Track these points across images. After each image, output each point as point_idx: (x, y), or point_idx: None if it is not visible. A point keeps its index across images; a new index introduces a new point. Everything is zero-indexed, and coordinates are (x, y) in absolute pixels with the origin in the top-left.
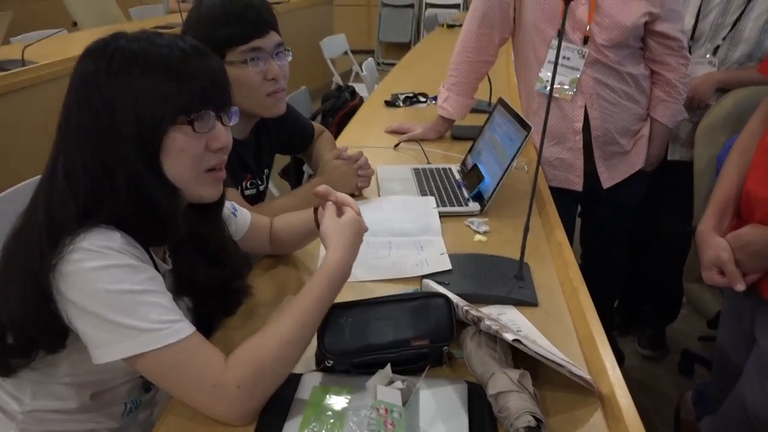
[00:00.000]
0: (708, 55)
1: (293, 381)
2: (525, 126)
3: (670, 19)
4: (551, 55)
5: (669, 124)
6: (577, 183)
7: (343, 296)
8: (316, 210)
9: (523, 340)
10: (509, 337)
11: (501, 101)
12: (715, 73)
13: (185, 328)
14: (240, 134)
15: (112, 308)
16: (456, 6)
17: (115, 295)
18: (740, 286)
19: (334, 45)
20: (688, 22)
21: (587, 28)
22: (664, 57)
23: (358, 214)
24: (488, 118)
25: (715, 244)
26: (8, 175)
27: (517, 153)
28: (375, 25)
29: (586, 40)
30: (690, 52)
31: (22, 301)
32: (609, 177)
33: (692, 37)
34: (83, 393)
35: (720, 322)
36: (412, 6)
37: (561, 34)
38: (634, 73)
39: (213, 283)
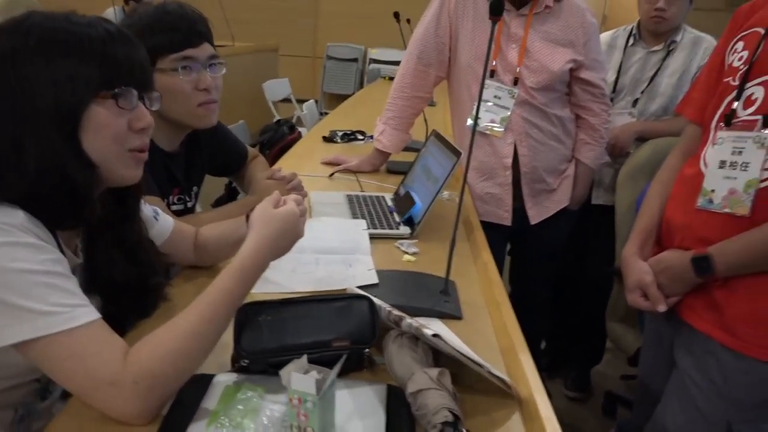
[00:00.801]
0: (628, 107)
1: (203, 381)
2: (456, 152)
3: (593, 68)
4: (484, 94)
5: (592, 165)
6: (506, 218)
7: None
8: (248, 217)
9: (443, 336)
10: (429, 332)
11: (435, 132)
12: (635, 123)
13: (88, 313)
14: (170, 146)
15: (7, 288)
16: (398, 62)
17: (12, 273)
18: (662, 307)
19: (277, 89)
20: (611, 76)
21: (517, 71)
22: (587, 103)
23: (302, 214)
24: (422, 149)
25: (638, 267)
26: None
27: (448, 176)
28: (319, 76)
29: (516, 82)
30: (612, 104)
31: None
32: (536, 213)
33: (614, 90)
34: None
35: (642, 349)
36: (356, 60)
37: (485, 70)
38: (560, 116)
39: (128, 279)
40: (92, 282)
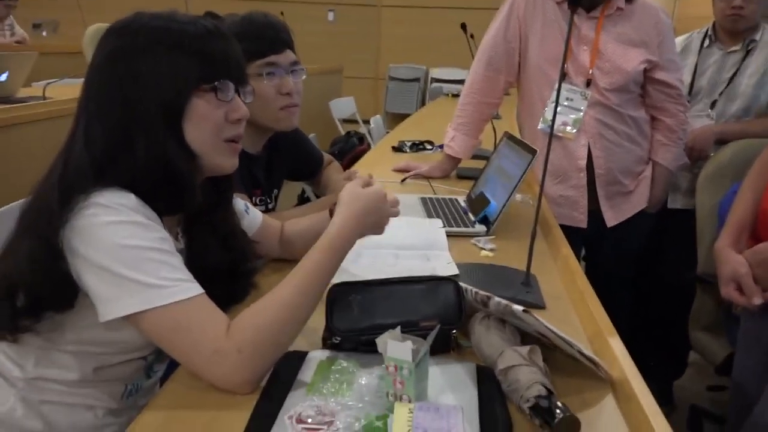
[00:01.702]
0: (706, 110)
1: (298, 356)
2: (530, 150)
3: (668, 68)
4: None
5: (670, 167)
6: (581, 221)
7: None
8: (332, 211)
9: (532, 312)
10: (519, 307)
11: (507, 134)
12: (714, 125)
13: (192, 288)
14: (253, 149)
15: (121, 262)
16: (460, 81)
17: (125, 249)
18: (757, 300)
19: (343, 107)
20: (686, 79)
21: (590, 72)
22: (663, 103)
23: (395, 202)
24: (494, 150)
25: (732, 259)
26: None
27: (524, 172)
28: (381, 96)
29: (588, 84)
30: (689, 107)
31: (30, 259)
32: (613, 216)
33: (690, 93)
34: (86, 365)
35: (736, 353)
36: (417, 80)
37: (562, 71)
38: (635, 116)
39: (222, 264)
40: (190, 267)
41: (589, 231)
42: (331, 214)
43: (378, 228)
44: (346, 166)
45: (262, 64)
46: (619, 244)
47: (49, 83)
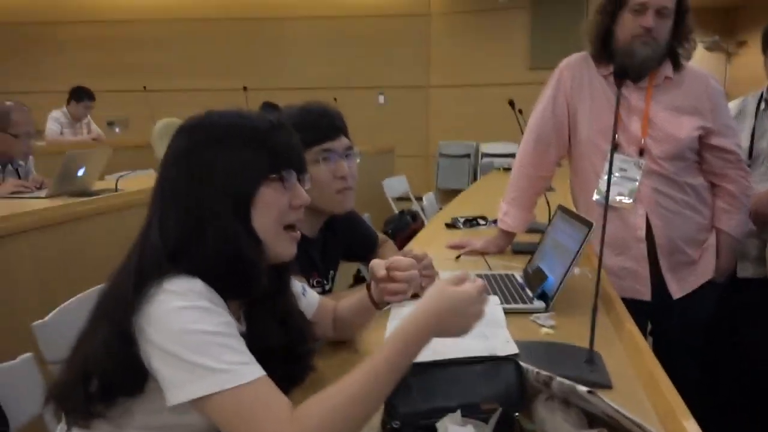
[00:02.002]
0: None
1: None
2: (586, 223)
3: (725, 134)
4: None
5: (735, 234)
6: (644, 293)
7: None
8: (368, 286)
9: (597, 392)
10: (583, 388)
11: (561, 207)
12: None
13: (255, 371)
14: (310, 232)
15: (188, 347)
16: (511, 155)
17: (192, 334)
18: None
19: (396, 185)
20: (744, 143)
21: (642, 142)
22: (723, 170)
23: (483, 295)
24: (549, 224)
25: None
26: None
27: (581, 247)
28: (432, 173)
29: (641, 153)
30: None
31: (105, 345)
32: (678, 287)
33: (750, 157)
34: None
35: None
36: (468, 156)
37: (614, 140)
38: (693, 184)
39: (281, 346)
40: (251, 349)
41: (654, 304)
42: (369, 289)
43: (462, 332)
44: (401, 244)
45: (319, 151)
46: (687, 315)
47: (120, 176)
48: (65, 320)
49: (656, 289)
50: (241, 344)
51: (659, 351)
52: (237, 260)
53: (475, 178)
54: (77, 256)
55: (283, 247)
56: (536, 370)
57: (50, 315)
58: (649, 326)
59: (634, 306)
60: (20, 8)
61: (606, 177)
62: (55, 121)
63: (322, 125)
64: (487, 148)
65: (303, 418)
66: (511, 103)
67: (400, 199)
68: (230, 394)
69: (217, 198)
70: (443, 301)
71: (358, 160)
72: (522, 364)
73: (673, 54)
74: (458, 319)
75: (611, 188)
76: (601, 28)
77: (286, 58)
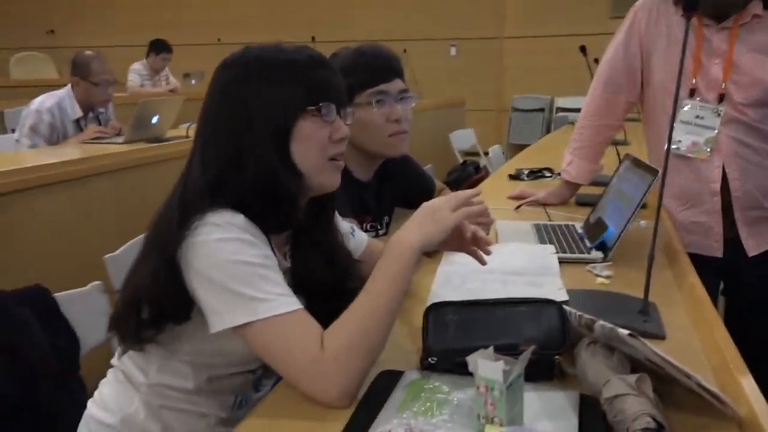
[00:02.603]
0: None
1: (392, 376)
2: (652, 171)
3: None
4: (684, 115)
5: None
6: (716, 249)
7: None
8: None
9: (639, 337)
10: (624, 331)
11: (628, 156)
12: None
13: (292, 302)
14: (364, 176)
15: (231, 277)
16: None
17: (234, 265)
18: None
19: (463, 139)
20: None
21: (722, 86)
22: None
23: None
24: (614, 174)
25: None
26: None
27: (644, 195)
28: (504, 128)
29: (721, 99)
30: None
31: (153, 275)
32: (754, 244)
33: None
34: (200, 375)
35: None
36: (542, 110)
37: (678, 83)
38: None
39: (327, 281)
40: (296, 284)
41: (726, 261)
42: None
43: (437, 232)
44: None
45: (372, 93)
46: (764, 275)
47: (191, 125)
48: (134, 254)
49: (729, 245)
50: (279, 277)
51: (732, 311)
52: (275, 193)
53: (548, 133)
54: (150, 197)
55: (326, 177)
56: (579, 313)
57: (120, 249)
58: (722, 286)
59: (703, 263)
60: None
61: (681, 125)
62: (136, 74)
63: (375, 67)
64: (562, 102)
65: (332, 341)
66: (582, 49)
67: (468, 153)
68: (268, 322)
69: (255, 131)
70: (418, 214)
71: (413, 104)
72: (565, 307)
73: None
74: (434, 216)
75: (685, 138)
76: None
77: (354, 9)
